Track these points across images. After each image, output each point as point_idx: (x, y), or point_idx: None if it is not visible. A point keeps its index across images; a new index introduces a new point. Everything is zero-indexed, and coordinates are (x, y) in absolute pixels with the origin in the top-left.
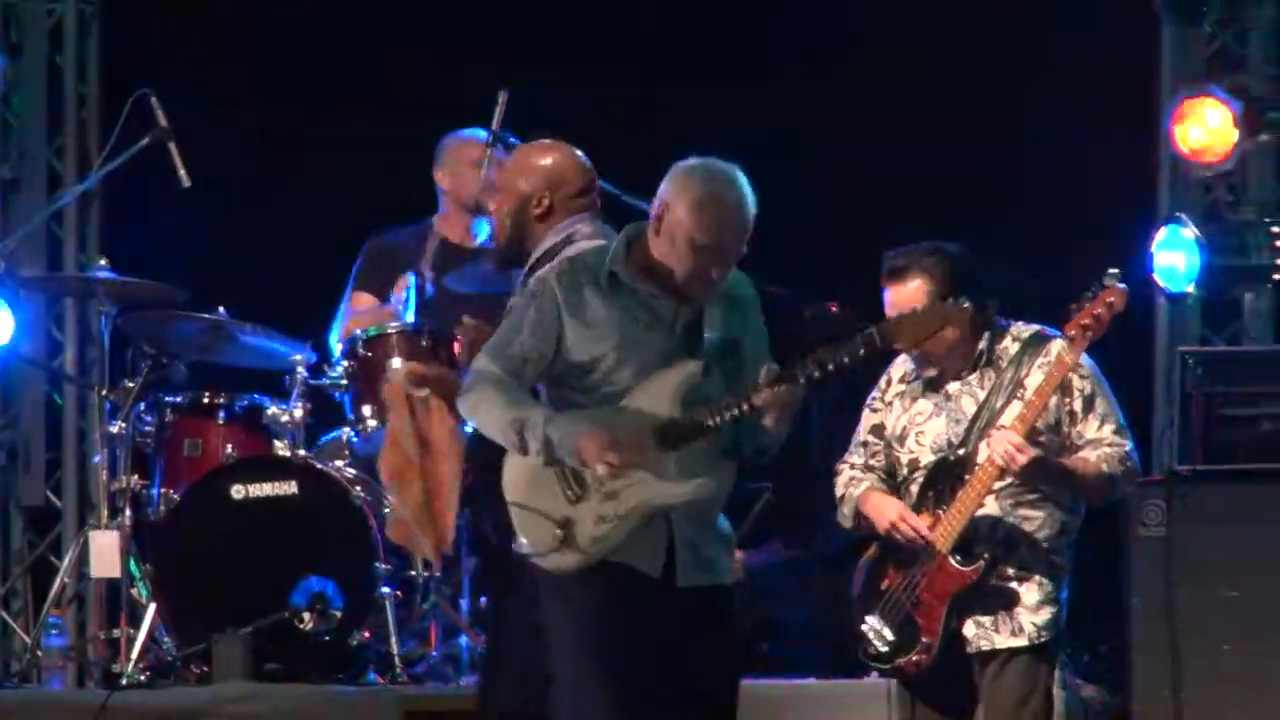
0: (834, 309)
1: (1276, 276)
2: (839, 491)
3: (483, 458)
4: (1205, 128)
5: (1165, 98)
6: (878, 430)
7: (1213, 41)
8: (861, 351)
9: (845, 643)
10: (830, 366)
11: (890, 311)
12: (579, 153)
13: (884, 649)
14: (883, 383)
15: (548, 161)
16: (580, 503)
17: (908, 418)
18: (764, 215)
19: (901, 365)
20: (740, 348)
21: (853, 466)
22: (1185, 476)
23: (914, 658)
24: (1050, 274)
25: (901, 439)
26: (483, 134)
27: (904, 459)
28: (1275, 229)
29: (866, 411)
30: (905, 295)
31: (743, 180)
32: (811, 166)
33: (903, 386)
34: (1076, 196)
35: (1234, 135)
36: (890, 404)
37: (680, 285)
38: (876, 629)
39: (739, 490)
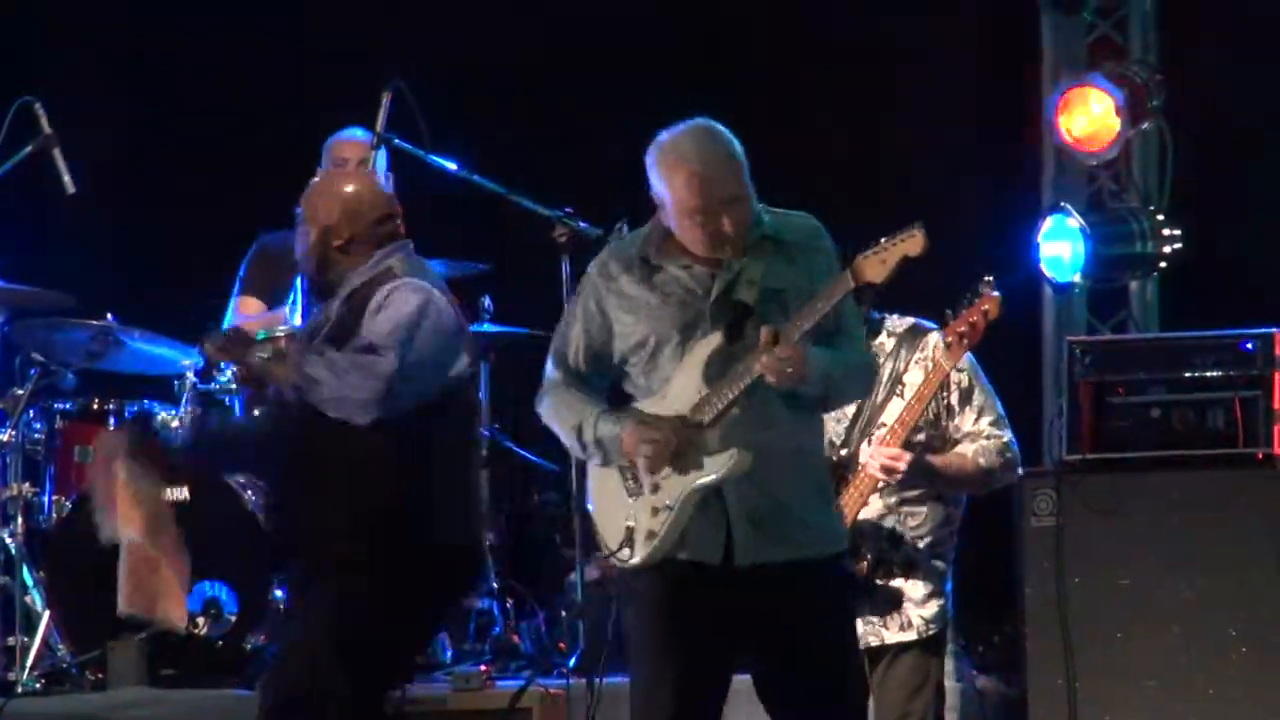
0: None
1: (1162, 265)
2: None
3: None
4: (1088, 117)
5: (1047, 87)
6: None
7: (1093, 30)
8: (836, 296)
9: None
10: (815, 319)
11: None
12: (380, 181)
13: None
14: None
15: (346, 191)
16: (638, 498)
17: None
18: None
19: None
20: (783, 296)
21: None
22: (1075, 466)
23: None
24: (934, 266)
25: None
26: (361, 134)
27: None
28: (1160, 217)
29: None
30: None
31: (701, 129)
32: None
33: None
34: (960, 188)
35: (1117, 124)
36: None
37: (707, 253)
38: None
39: None
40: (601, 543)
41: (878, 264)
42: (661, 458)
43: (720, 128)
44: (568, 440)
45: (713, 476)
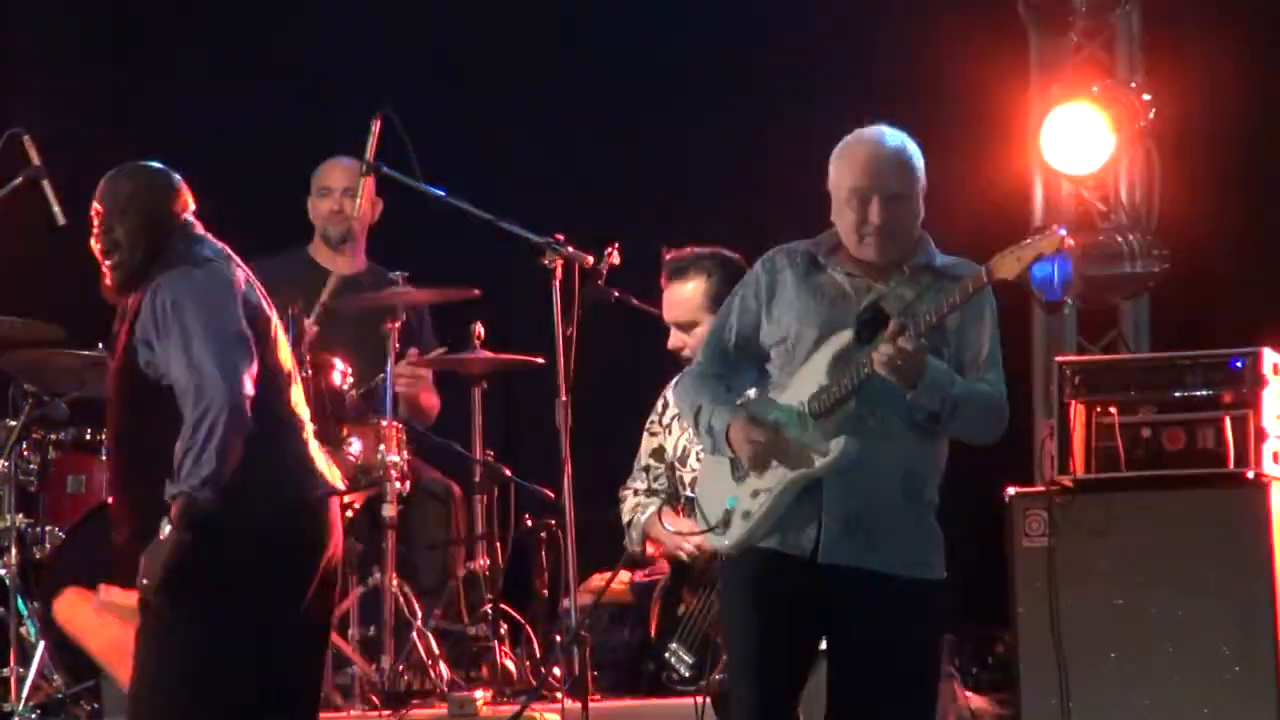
0: None
1: (1151, 284)
2: (625, 518)
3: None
4: (1076, 137)
5: (1035, 107)
6: (658, 453)
7: (1080, 50)
8: (970, 290)
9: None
10: (935, 316)
11: (667, 313)
12: (161, 171)
13: (687, 673)
14: (659, 405)
15: (135, 186)
16: (743, 481)
17: (687, 438)
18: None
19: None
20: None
21: (635, 493)
22: (1066, 486)
23: (717, 676)
24: None
25: (683, 459)
26: (347, 161)
27: (687, 478)
28: (1148, 237)
29: (645, 435)
30: (683, 295)
31: (881, 128)
32: (695, 180)
33: (678, 410)
34: (947, 208)
35: (1105, 144)
36: (669, 426)
37: (857, 254)
38: (678, 654)
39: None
40: (700, 521)
41: (1013, 261)
42: (761, 459)
43: (903, 137)
44: (689, 424)
45: (814, 467)
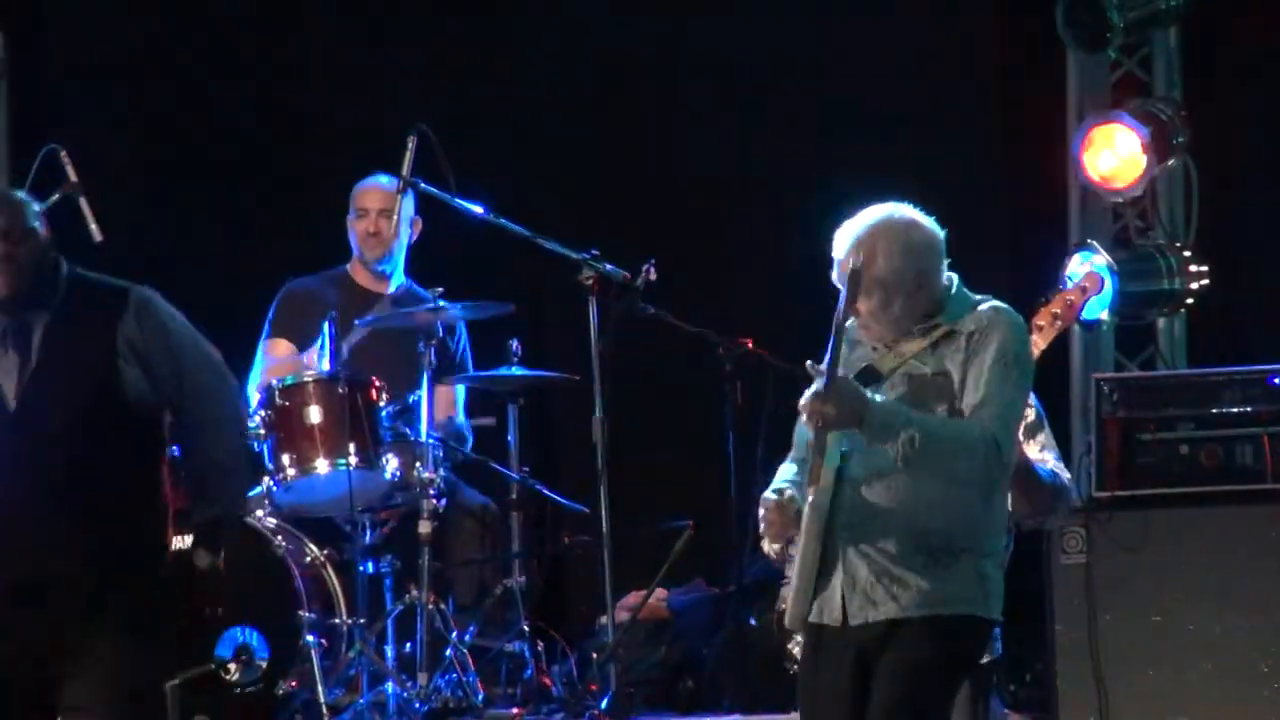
0: (749, 344)
1: (1189, 301)
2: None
3: None
4: (1114, 154)
5: (1073, 125)
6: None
7: (1118, 68)
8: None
9: (758, 678)
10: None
11: None
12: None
13: None
14: None
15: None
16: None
17: None
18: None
19: None
20: (927, 378)
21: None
22: (1104, 503)
23: None
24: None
25: None
26: (385, 180)
27: None
28: (1186, 253)
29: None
30: None
31: (863, 222)
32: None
33: None
34: (986, 226)
35: (1142, 161)
36: None
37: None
38: None
39: (660, 527)
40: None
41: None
42: (775, 534)
43: (897, 220)
44: None
45: (803, 542)
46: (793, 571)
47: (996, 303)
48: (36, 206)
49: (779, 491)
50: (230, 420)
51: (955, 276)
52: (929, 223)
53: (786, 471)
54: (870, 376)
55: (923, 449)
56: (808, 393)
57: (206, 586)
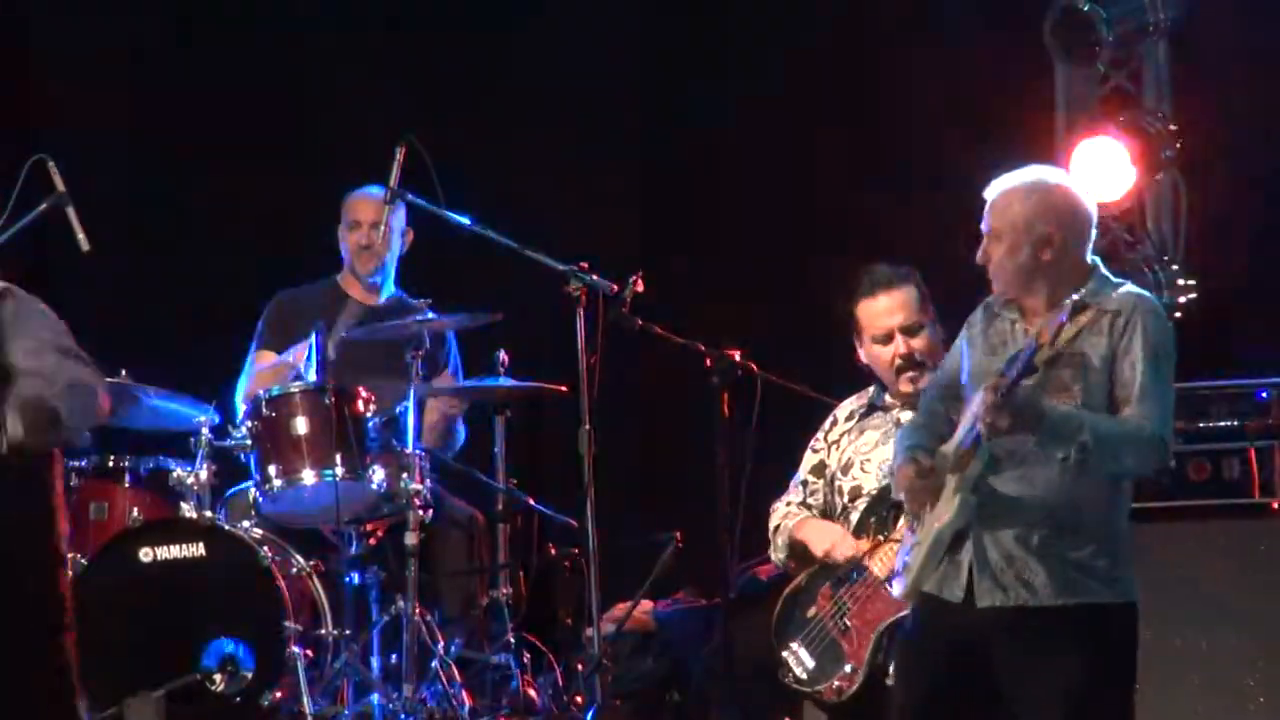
0: (737, 356)
1: (1177, 315)
2: (774, 524)
3: None
4: (1101, 167)
5: (1061, 138)
6: (818, 469)
7: (1106, 81)
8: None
9: (745, 690)
10: (1016, 375)
11: (887, 320)
12: None
13: (804, 675)
14: (827, 424)
15: None
16: (914, 532)
17: (854, 449)
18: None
19: (848, 405)
20: (1083, 362)
21: (788, 504)
22: None
23: (835, 683)
24: (950, 315)
25: (846, 469)
26: (376, 191)
27: (846, 487)
28: (1175, 267)
29: (809, 452)
30: (902, 299)
31: (1016, 174)
32: (718, 210)
33: (849, 424)
34: (975, 239)
35: (1130, 174)
36: (836, 442)
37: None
38: (798, 655)
39: (647, 539)
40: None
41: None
42: (916, 498)
43: (1025, 176)
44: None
45: (943, 523)
46: (915, 542)
47: (1135, 288)
48: None
49: (916, 461)
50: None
51: (1099, 260)
52: (1082, 194)
53: (914, 434)
54: (1028, 369)
55: (1095, 452)
56: (981, 398)
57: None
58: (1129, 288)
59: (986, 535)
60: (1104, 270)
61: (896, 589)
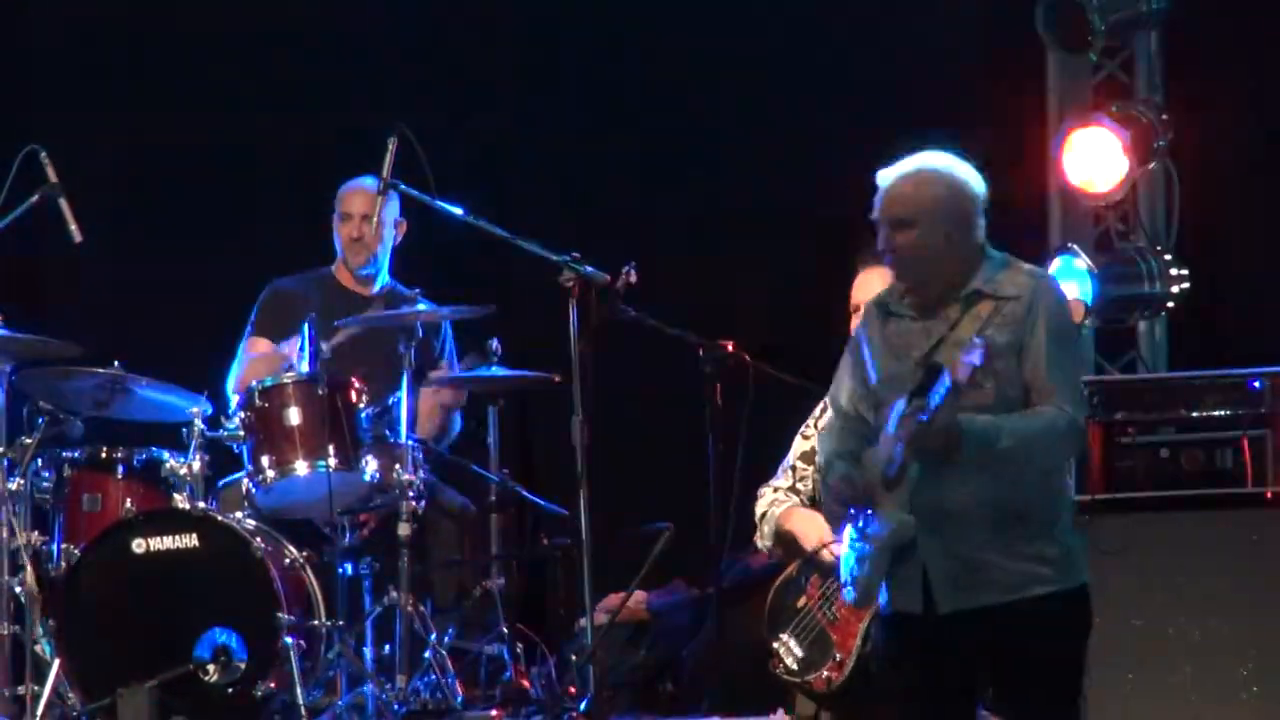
0: (729, 347)
1: (1170, 304)
2: (760, 511)
3: None
4: (1094, 157)
5: (1053, 128)
6: (807, 456)
7: (1099, 70)
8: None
9: (738, 679)
10: (931, 412)
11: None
12: None
13: (795, 665)
14: (817, 411)
15: None
16: (854, 544)
17: None
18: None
19: None
20: (991, 355)
21: (775, 490)
22: (1084, 507)
23: (825, 673)
24: None
25: None
26: (370, 182)
27: None
28: (1167, 257)
29: (798, 439)
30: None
31: (910, 160)
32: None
33: None
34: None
35: (1123, 164)
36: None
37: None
38: (788, 645)
39: (640, 529)
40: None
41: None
42: (854, 506)
43: (927, 161)
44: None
45: (885, 539)
46: (861, 555)
47: (1028, 266)
48: None
49: (851, 483)
50: None
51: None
52: (974, 175)
53: (837, 439)
54: (935, 373)
55: (1020, 454)
56: (902, 427)
57: None
58: (1020, 268)
59: (934, 544)
60: (989, 249)
61: (848, 597)
